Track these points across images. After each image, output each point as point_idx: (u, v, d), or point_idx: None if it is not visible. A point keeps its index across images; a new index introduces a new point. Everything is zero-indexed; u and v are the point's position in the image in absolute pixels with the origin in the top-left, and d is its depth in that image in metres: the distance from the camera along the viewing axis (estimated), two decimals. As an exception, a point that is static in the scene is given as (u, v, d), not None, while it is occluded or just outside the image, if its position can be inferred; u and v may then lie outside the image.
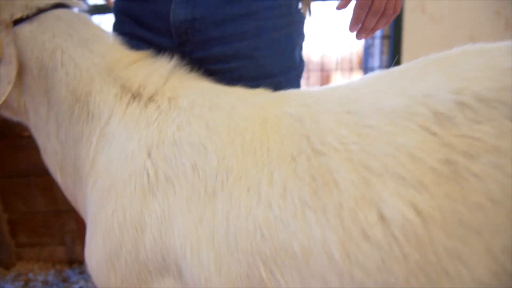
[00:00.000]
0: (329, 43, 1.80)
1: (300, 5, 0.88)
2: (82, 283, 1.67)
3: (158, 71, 0.69)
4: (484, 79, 0.53)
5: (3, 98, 0.64)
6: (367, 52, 1.82)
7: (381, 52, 1.75)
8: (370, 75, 0.64)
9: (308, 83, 1.93)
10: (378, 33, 1.77)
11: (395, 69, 0.62)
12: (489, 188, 0.47)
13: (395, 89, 0.56)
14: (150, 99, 0.65)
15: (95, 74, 0.67)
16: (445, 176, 0.48)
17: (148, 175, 0.58)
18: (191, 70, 0.74)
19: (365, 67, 1.86)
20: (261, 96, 0.66)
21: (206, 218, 0.55)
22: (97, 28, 0.75)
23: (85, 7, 0.80)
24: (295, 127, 0.57)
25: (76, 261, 1.80)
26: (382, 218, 0.48)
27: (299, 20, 0.84)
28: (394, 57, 1.70)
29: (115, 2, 0.87)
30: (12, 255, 1.78)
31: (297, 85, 0.87)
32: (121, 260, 0.59)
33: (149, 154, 0.60)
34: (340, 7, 0.75)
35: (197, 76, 0.73)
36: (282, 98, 0.64)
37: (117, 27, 0.87)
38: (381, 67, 1.77)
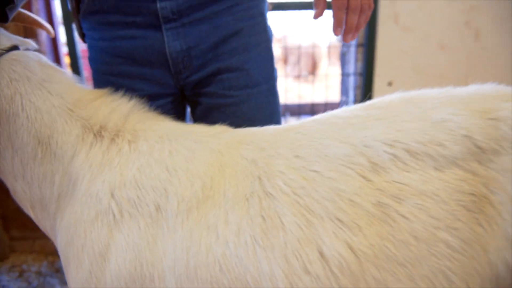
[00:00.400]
0: (319, 32, 1.86)
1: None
2: (73, 273, 1.80)
3: (118, 111, 0.72)
4: (416, 131, 0.63)
5: None
6: (343, 59, 1.90)
7: (356, 60, 1.82)
8: (322, 117, 0.72)
9: (299, 68, 1.98)
10: (353, 41, 1.84)
11: (344, 114, 0.70)
12: (414, 227, 0.58)
13: (340, 137, 0.65)
14: (112, 140, 0.69)
15: (56, 116, 0.70)
16: (377, 218, 0.58)
17: (113, 214, 0.64)
18: (147, 108, 0.77)
19: (342, 73, 1.94)
20: (219, 138, 0.71)
21: (170, 252, 0.61)
22: (52, 67, 0.76)
23: (36, 46, 0.80)
24: (249, 170, 0.64)
25: (67, 253, 1.91)
26: (321, 255, 0.57)
27: (271, 34, 0.95)
28: (368, 65, 1.78)
29: (93, 44, 0.89)
30: (5, 247, 1.88)
31: (276, 91, 0.97)
32: (92, 286, 0.65)
33: (112, 195, 0.65)
34: (316, 15, 0.81)
35: (156, 116, 0.77)
36: (239, 141, 0.69)
37: (101, 69, 0.89)
38: (355, 73, 1.86)
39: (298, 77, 5.22)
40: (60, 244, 0.70)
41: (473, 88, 0.74)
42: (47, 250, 1.91)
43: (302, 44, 4.63)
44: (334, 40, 3.87)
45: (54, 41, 1.78)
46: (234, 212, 0.61)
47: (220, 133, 0.73)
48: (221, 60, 0.87)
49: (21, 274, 1.79)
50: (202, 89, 0.90)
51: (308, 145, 0.65)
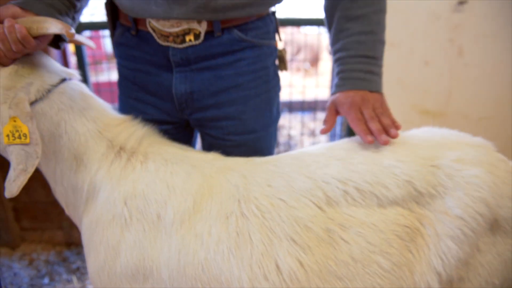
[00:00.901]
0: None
1: (277, 62, 1.05)
2: (79, 263, 1.95)
3: (135, 135, 0.89)
4: (367, 172, 0.77)
5: (32, 170, 0.79)
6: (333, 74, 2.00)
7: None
8: (295, 153, 0.86)
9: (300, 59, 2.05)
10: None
11: (313, 152, 0.85)
12: (353, 250, 0.72)
13: (305, 172, 0.79)
14: (128, 160, 0.86)
15: (89, 137, 0.86)
16: (325, 241, 0.73)
17: (125, 218, 0.80)
18: (158, 132, 0.94)
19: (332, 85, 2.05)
20: (211, 164, 0.87)
21: (166, 251, 0.77)
22: (91, 97, 0.92)
23: (79, 77, 0.95)
24: (232, 193, 0.79)
25: (74, 244, 2.07)
26: (277, 267, 0.72)
27: (277, 82, 1.03)
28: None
29: (120, 68, 1.03)
30: (16, 237, 2.05)
31: (275, 134, 1.08)
32: (105, 273, 0.82)
33: (125, 203, 0.81)
34: (323, 132, 0.89)
35: (163, 141, 0.93)
36: (227, 168, 0.85)
37: (124, 91, 1.03)
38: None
39: (299, 70, 4.97)
40: (84, 237, 0.88)
41: (426, 134, 0.86)
42: (55, 241, 2.08)
43: (301, 35, 4.36)
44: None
45: (63, 51, 1.91)
46: (216, 226, 0.76)
47: (213, 160, 0.89)
48: (221, 108, 0.96)
49: (31, 262, 1.96)
50: (205, 130, 1.01)
51: (279, 176, 0.80)
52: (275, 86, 1.03)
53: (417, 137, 0.85)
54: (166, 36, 0.90)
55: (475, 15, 1.83)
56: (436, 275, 0.71)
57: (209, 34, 0.90)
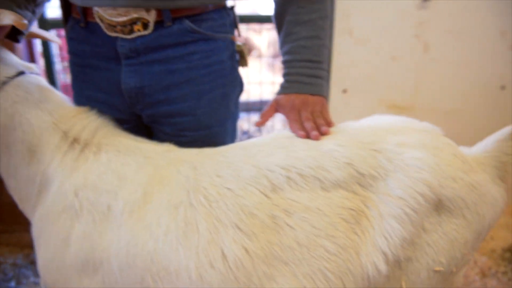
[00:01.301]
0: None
1: (237, 57, 1.04)
2: (47, 265, 1.92)
3: (89, 127, 0.88)
4: (309, 158, 0.78)
5: None
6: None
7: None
8: (244, 144, 0.87)
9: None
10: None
11: (259, 143, 0.86)
12: (298, 235, 0.73)
13: (251, 161, 0.80)
14: (81, 151, 0.85)
15: (43, 130, 0.85)
16: (270, 227, 0.73)
17: (75, 209, 0.80)
18: (113, 123, 0.93)
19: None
20: (164, 156, 0.86)
21: (115, 242, 0.77)
22: (48, 89, 0.91)
23: (38, 71, 0.94)
24: (182, 184, 0.79)
25: (42, 246, 2.03)
26: (223, 255, 0.72)
27: (234, 78, 1.02)
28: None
29: (71, 67, 1.01)
30: (-17, 241, 2.00)
31: (233, 129, 1.07)
32: (54, 265, 0.81)
33: (76, 195, 0.80)
34: (258, 124, 0.92)
35: (118, 132, 0.92)
36: (179, 160, 0.85)
37: (76, 89, 1.02)
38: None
39: (272, 66, 4.47)
40: (34, 230, 0.87)
41: (372, 121, 0.88)
42: (23, 243, 2.03)
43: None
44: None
45: (29, 46, 1.88)
46: (165, 216, 0.76)
47: (166, 151, 0.89)
48: (173, 104, 0.94)
49: (-3, 265, 1.91)
50: (159, 126, 0.99)
51: (227, 166, 0.81)
52: (233, 81, 1.01)
53: (362, 124, 0.87)
54: (113, 26, 0.88)
55: (439, 12, 1.87)
56: (382, 255, 0.72)
57: (159, 24, 0.88)
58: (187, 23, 0.89)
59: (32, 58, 1.91)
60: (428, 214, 0.75)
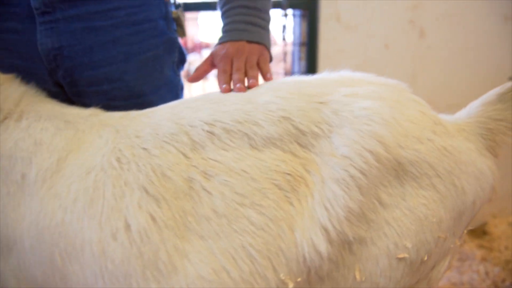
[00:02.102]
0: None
1: (175, 27, 0.96)
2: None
3: (12, 96, 0.79)
4: (239, 111, 0.64)
5: None
6: (294, 57, 1.90)
7: (300, 58, 1.82)
8: (174, 103, 0.76)
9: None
10: (296, 40, 1.84)
11: (190, 99, 0.74)
12: (216, 202, 0.59)
13: (175, 118, 0.68)
14: (3, 120, 0.77)
15: None
16: (184, 192, 0.60)
17: None
18: (41, 92, 0.84)
19: (292, 71, 1.94)
20: (86, 120, 0.77)
21: (27, 215, 0.67)
22: None
23: None
24: (100, 148, 0.69)
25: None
26: (127, 224, 0.60)
27: (169, 40, 0.92)
28: (311, 64, 1.78)
29: None
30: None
31: (173, 98, 0.93)
32: None
33: None
34: (191, 78, 0.83)
35: (44, 99, 0.83)
36: (102, 123, 0.75)
37: None
38: (300, 72, 1.85)
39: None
40: None
41: (328, 74, 0.74)
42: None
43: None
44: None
45: None
46: (76, 183, 0.66)
47: (90, 115, 0.79)
48: (98, 68, 0.84)
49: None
50: (85, 99, 0.88)
51: (149, 126, 0.70)
52: (167, 44, 0.91)
53: (312, 77, 0.72)
54: None
55: (435, -6, 1.73)
56: (322, 230, 0.57)
57: None
58: None
59: None
60: (385, 181, 0.59)
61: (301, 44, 1.80)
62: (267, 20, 0.85)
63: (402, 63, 1.81)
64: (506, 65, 1.84)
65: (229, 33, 0.82)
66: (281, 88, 0.68)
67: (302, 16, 1.79)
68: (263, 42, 0.83)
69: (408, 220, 0.60)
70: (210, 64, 0.84)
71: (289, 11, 1.78)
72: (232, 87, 0.76)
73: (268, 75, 0.80)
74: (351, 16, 1.73)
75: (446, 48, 1.80)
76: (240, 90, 0.73)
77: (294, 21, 1.84)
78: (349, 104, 0.62)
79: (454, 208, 0.63)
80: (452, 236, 0.66)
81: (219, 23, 0.89)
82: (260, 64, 0.81)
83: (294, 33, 1.86)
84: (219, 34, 0.86)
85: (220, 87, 0.76)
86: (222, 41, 0.83)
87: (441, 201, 0.62)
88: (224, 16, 0.85)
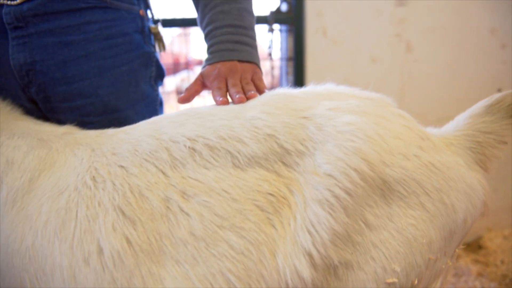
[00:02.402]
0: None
1: (153, 41, 0.94)
2: None
3: None
4: (224, 127, 0.61)
5: None
6: (281, 72, 1.88)
7: (287, 73, 1.80)
8: (155, 118, 0.73)
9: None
10: (283, 55, 1.83)
11: (173, 114, 0.71)
12: (193, 225, 0.55)
13: (156, 134, 0.65)
14: None
15: None
16: (160, 213, 0.56)
17: None
18: (16, 109, 0.82)
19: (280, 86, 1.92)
20: (61, 138, 0.74)
21: None
22: None
23: None
24: (74, 167, 0.66)
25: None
26: (99, 248, 0.56)
27: (145, 54, 0.90)
28: (298, 78, 1.76)
29: None
30: None
31: (151, 113, 0.93)
32: None
33: None
34: (181, 99, 0.80)
35: (19, 116, 0.82)
36: (77, 142, 0.72)
37: None
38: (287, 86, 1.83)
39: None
40: None
41: (312, 87, 0.71)
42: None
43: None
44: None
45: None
46: (47, 204, 0.63)
47: (64, 133, 0.76)
48: (71, 83, 0.82)
49: None
50: (59, 115, 0.86)
51: (127, 143, 0.66)
52: (143, 58, 0.89)
53: (298, 90, 0.69)
54: None
55: (420, 8, 1.73)
56: (306, 255, 0.52)
57: None
58: None
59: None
60: (370, 201, 0.55)
61: (288, 59, 1.78)
62: (253, 37, 0.83)
63: (389, 77, 1.79)
64: (494, 77, 1.84)
65: (219, 53, 0.79)
66: (268, 103, 0.65)
67: (289, 31, 1.78)
68: (254, 60, 0.81)
69: (396, 242, 0.56)
70: (200, 84, 0.81)
71: (276, 26, 1.77)
72: (230, 100, 0.73)
73: (266, 92, 0.77)
74: (337, 31, 1.72)
75: (434, 62, 1.79)
76: (241, 100, 0.69)
77: (281, 36, 1.83)
78: (332, 118, 0.59)
79: (444, 228, 0.60)
80: (443, 257, 0.63)
81: (204, 44, 0.86)
82: (255, 82, 0.78)
83: (281, 48, 1.85)
84: (205, 55, 0.83)
85: (216, 101, 0.73)
86: (211, 62, 0.80)
87: (431, 221, 0.58)
88: (209, 36, 0.82)
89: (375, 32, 1.74)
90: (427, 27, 1.76)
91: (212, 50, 0.81)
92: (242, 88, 0.74)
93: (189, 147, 0.60)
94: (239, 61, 0.79)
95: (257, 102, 0.67)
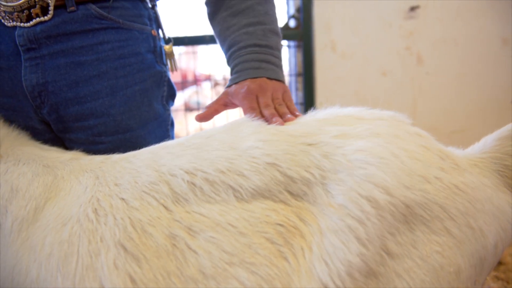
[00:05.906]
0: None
1: (165, 61, 0.93)
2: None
3: None
4: (221, 159, 0.59)
5: None
6: (291, 88, 1.87)
7: (297, 89, 1.79)
8: (154, 147, 0.71)
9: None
10: (292, 71, 1.82)
11: (171, 144, 0.70)
12: (202, 262, 0.52)
13: (155, 165, 0.64)
14: None
15: None
16: (166, 250, 0.54)
17: None
18: (23, 134, 0.82)
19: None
20: (66, 165, 0.73)
21: (2, 269, 0.62)
22: None
23: None
24: (78, 196, 0.64)
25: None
26: (101, 286, 0.53)
27: (157, 74, 0.89)
28: (308, 94, 1.74)
29: None
30: None
31: (163, 133, 0.91)
32: None
33: None
34: (199, 117, 0.78)
35: (25, 141, 0.81)
36: (82, 169, 0.70)
37: None
38: (297, 103, 1.82)
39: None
40: None
41: (314, 113, 0.69)
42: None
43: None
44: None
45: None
46: (50, 236, 0.60)
47: (70, 159, 0.75)
48: (84, 103, 0.82)
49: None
50: (71, 135, 0.85)
51: (128, 173, 0.65)
52: (155, 77, 0.88)
53: (302, 119, 0.67)
54: (10, 13, 0.77)
55: (429, 19, 1.71)
56: None
57: (61, 8, 0.77)
58: (93, 7, 0.79)
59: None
60: (392, 229, 0.52)
61: (298, 75, 1.77)
62: (279, 57, 0.81)
63: (400, 90, 1.77)
64: (507, 89, 1.81)
65: (245, 71, 0.77)
66: (264, 131, 0.63)
67: (297, 46, 1.77)
68: (281, 79, 0.79)
69: (422, 271, 0.53)
70: (223, 104, 0.79)
71: (284, 43, 1.76)
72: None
73: (297, 113, 0.73)
74: (346, 45, 1.71)
75: (445, 74, 1.77)
76: (280, 124, 0.66)
77: (290, 52, 1.82)
78: (340, 146, 0.56)
79: (473, 254, 0.56)
80: (473, 286, 0.59)
81: (225, 63, 0.84)
82: (286, 103, 0.75)
83: (289, 64, 1.84)
84: (230, 75, 0.80)
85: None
86: (239, 80, 0.77)
87: (458, 247, 0.55)
88: (233, 57, 0.80)
89: (384, 45, 1.72)
90: (437, 39, 1.74)
91: (237, 69, 0.78)
92: (276, 110, 0.72)
93: (187, 181, 0.58)
94: (268, 78, 0.76)
95: (250, 130, 0.64)
